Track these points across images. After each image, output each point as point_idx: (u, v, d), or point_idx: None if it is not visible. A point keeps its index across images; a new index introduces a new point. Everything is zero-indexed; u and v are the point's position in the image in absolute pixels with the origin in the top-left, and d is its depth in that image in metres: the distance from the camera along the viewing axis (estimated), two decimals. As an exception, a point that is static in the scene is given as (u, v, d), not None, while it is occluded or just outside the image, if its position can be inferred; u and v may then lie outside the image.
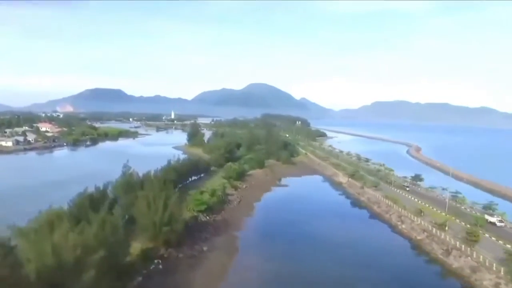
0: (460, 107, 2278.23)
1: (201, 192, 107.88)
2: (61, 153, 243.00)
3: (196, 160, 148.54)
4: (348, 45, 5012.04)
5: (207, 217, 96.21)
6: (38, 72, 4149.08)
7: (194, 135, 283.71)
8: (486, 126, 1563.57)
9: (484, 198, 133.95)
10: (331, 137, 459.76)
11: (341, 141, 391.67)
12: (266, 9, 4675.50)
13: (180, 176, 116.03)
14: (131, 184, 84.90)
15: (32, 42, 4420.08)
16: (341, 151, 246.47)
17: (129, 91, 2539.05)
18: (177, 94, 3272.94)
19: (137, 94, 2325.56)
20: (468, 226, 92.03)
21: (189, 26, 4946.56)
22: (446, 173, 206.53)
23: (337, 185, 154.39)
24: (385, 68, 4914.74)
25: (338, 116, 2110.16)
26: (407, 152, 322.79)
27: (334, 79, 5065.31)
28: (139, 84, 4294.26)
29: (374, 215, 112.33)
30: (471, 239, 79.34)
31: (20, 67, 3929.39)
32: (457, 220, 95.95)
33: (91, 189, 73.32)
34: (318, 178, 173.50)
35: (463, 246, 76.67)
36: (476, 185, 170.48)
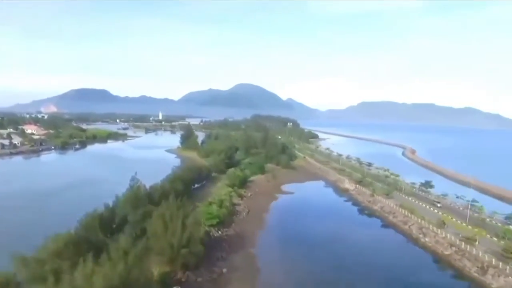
0: (445, 108, 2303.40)
1: (210, 203, 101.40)
2: (50, 157, 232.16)
3: (199, 167, 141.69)
4: (335, 45, 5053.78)
5: (219, 232, 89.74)
6: (22, 71, 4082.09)
7: (188, 138, 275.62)
8: (470, 126, 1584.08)
9: (491, 203, 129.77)
10: (323, 139, 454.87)
11: (334, 143, 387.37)
12: (254, 10, 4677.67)
13: (185, 185, 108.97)
14: (139, 198, 77.67)
15: (15, 40, 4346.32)
16: (340, 155, 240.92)
17: (114, 91, 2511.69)
18: (163, 95, 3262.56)
19: (122, 94, 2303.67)
20: (495, 239, 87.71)
21: (174, 25, 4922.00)
22: (445, 176, 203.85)
23: (343, 192, 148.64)
24: (371, 68, 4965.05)
25: (324, 116, 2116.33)
26: (403, 154, 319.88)
27: (320, 79, 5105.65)
28: (124, 84, 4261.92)
29: (387, 225, 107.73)
30: (508, 256, 74.62)
31: (2, 66, 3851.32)
32: (482, 233, 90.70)
33: (87, 196, 66.77)
34: (321, 184, 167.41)
35: (500, 263, 71.66)
36: (482, 190, 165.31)
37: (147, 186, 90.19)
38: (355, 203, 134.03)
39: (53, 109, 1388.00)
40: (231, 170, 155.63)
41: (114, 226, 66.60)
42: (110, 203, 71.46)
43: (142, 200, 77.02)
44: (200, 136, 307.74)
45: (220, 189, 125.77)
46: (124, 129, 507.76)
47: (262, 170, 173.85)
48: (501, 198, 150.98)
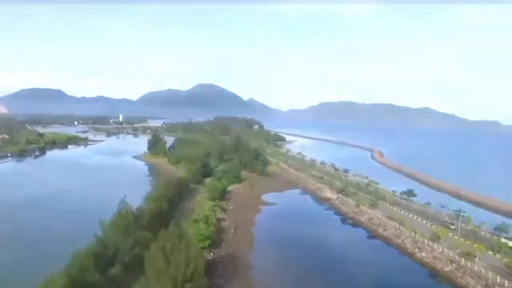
0: (403, 108, 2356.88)
1: (195, 221, 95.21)
2: (7, 166, 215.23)
3: (177, 179, 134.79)
4: (296, 46, 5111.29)
5: (211, 254, 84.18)
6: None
7: (155, 143, 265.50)
8: (427, 126, 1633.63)
9: (464, 207, 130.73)
10: (291, 141, 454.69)
11: (302, 145, 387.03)
12: (213, 10, 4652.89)
13: (170, 203, 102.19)
14: (128, 224, 70.78)
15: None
16: (314, 160, 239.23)
17: (69, 91, 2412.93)
18: (121, 95, 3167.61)
19: (78, 94, 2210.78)
20: (491, 252, 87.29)
21: (131, 24, 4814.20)
22: (416, 179, 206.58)
23: (324, 201, 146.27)
24: (331, 69, 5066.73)
25: (286, 117, 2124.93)
26: (372, 157, 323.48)
27: (280, 79, 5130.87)
28: (80, 83, 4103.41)
29: (374, 236, 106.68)
30: (514, 274, 73.71)
31: None
32: (482, 248, 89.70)
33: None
34: (301, 193, 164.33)
35: (506, 281, 70.58)
36: (457, 195, 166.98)
37: (126, 200, 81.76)
38: (338, 212, 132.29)
39: (3, 110, 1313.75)
40: (209, 180, 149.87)
41: (107, 259, 59.70)
42: (98, 223, 64.29)
43: (132, 226, 70.27)
44: (165, 139, 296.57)
45: (202, 203, 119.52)
46: (84, 132, 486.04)
47: (239, 179, 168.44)
48: (479, 204, 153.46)
